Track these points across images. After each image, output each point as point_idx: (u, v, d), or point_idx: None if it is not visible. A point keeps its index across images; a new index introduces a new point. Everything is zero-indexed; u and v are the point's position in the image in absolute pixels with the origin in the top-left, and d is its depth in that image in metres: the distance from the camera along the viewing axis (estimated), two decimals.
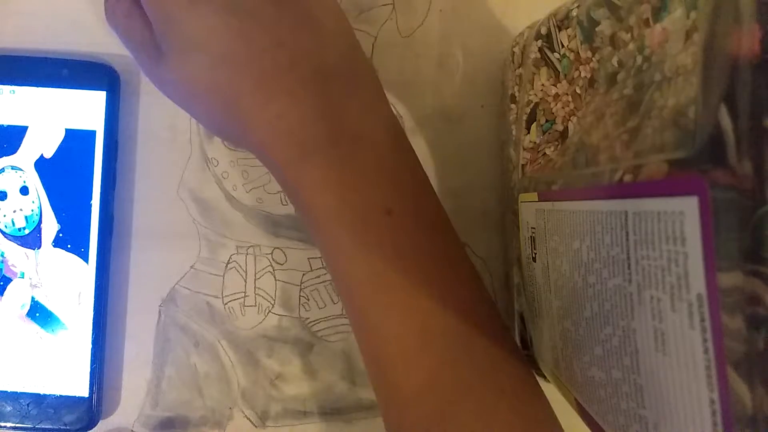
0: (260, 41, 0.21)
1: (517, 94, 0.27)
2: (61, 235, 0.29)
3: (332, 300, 0.31)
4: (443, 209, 0.24)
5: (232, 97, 0.22)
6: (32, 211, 0.29)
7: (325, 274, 0.31)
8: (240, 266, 0.31)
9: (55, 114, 0.30)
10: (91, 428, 0.29)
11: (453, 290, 0.22)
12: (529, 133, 0.26)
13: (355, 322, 0.24)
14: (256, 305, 0.31)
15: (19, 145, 0.29)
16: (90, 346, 0.29)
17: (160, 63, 0.23)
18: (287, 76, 0.22)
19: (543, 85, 0.25)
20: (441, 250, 0.23)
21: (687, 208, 0.13)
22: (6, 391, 0.29)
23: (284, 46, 0.22)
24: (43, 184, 0.29)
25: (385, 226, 0.22)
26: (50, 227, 0.29)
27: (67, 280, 0.29)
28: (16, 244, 0.30)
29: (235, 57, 0.22)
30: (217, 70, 0.22)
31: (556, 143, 0.25)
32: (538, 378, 0.24)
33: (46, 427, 0.29)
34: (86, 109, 0.30)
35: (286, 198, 0.31)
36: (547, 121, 0.25)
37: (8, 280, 0.30)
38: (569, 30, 0.23)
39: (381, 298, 0.22)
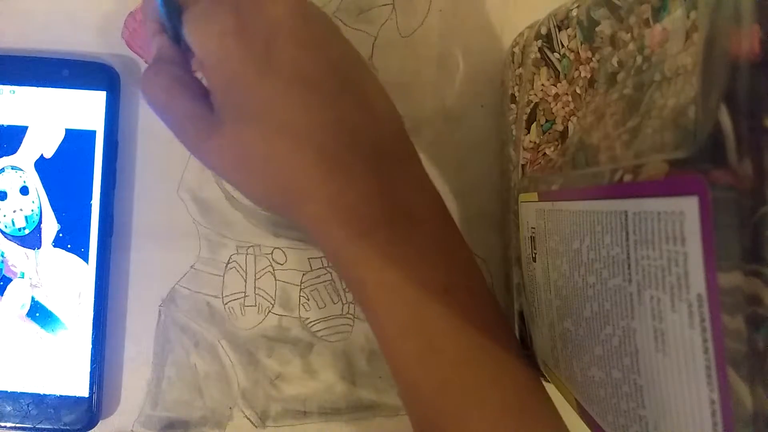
0: (323, 116, 0.21)
1: (517, 94, 0.27)
2: (61, 235, 0.29)
3: (332, 300, 0.31)
4: (485, 279, 0.24)
5: (290, 169, 0.21)
6: (32, 211, 0.29)
7: (325, 274, 0.31)
8: (240, 266, 0.31)
9: (55, 114, 0.30)
10: (91, 428, 0.29)
11: (505, 365, 0.23)
12: (529, 133, 0.26)
13: (406, 395, 0.24)
14: (256, 305, 0.31)
15: (19, 145, 0.29)
16: (90, 346, 0.29)
17: (212, 134, 0.22)
18: (347, 153, 0.22)
19: (543, 85, 0.25)
20: (491, 322, 0.23)
21: (687, 208, 0.13)
22: (6, 391, 0.29)
23: (345, 123, 0.22)
24: (43, 184, 0.29)
25: (443, 303, 0.22)
26: (50, 227, 0.29)
27: (67, 280, 0.29)
28: (16, 244, 0.30)
29: (296, 129, 0.21)
30: (277, 141, 0.21)
31: (556, 143, 0.25)
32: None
33: (46, 427, 0.29)
34: (86, 109, 0.30)
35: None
36: (547, 121, 0.25)
37: (8, 280, 0.30)
38: (569, 30, 0.23)
39: (437, 375, 0.22)
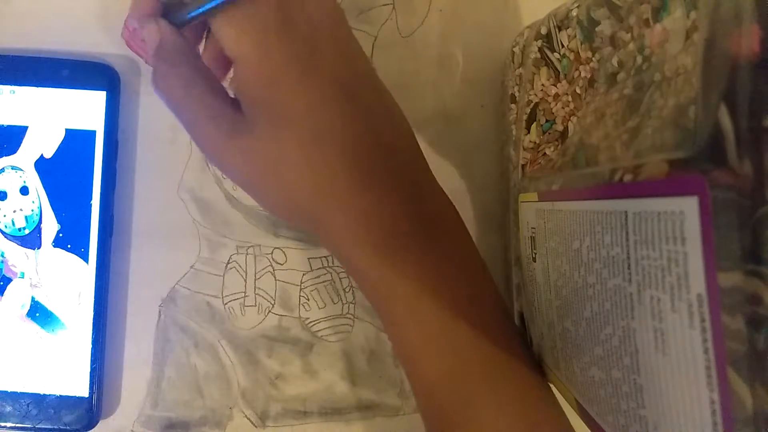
0: (359, 125, 0.21)
1: (517, 94, 0.27)
2: (61, 235, 0.29)
3: (332, 300, 0.31)
4: (495, 284, 0.24)
5: (326, 177, 0.21)
6: (32, 211, 0.29)
7: (325, 274, 0.31)
8: (240, 266, 0.31)
9: (55, 114, 0.30)
10: (91, 428, 0.29)
11: (520, 373, 0.23)
12: (529, 133, 0.26)
13: (427, 403, 0.24)
14: (256, 305, 0.31)
15: (19, 145, 0.29)
16: (90, 346, 0.29)
17: (237, 135, 0.21)
18: (380, 165, 0.22)
19: (543, 85, 0.25)
20: (506, 329, 0.23)
21: (687, 208, 0.13)
22: (6, 391, 0.29)
23: (378, 135, 0.22)
24: (43, 184, 0.29)
25: (469, 314, 0.22)
26: (50, 227, 0.29)
27: (67, 280, 0.29)
28: (16, 244, 0.30)
29: (334, 137, 0.21)
30: (314, 147, 0.21)
31: (556, 143, 0.25)
32: None
33: (46, 427, 0.29)
34: (86, 109, 0.30)
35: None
36: (547, 121, 0.25)
37: (8, 280, 0.30)
38: (569, 30, 0.23)
39: (465, 388, 0.22)
